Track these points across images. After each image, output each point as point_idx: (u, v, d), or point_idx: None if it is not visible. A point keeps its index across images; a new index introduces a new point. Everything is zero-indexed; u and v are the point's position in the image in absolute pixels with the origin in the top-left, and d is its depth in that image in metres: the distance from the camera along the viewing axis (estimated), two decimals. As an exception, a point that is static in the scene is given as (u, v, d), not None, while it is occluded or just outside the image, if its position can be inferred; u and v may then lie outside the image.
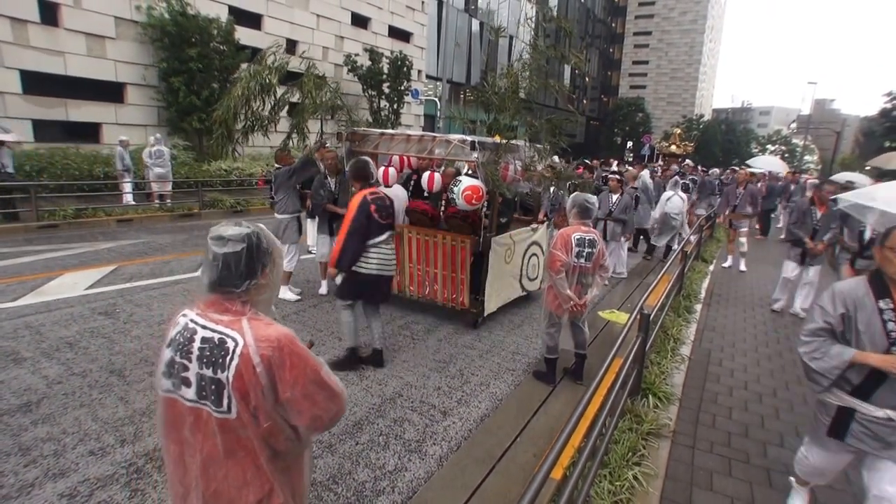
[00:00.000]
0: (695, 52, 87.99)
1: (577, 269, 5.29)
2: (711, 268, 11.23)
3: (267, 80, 8.11)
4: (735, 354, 6.54)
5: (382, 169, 7.54)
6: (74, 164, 14.49)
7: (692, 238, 10.98)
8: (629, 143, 46.56)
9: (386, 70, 26.71)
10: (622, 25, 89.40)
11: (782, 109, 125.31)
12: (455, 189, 6.49)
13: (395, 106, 27.70)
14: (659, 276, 6.70)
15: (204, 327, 1.90)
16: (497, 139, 6.77)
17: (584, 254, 5.28)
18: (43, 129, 16.00)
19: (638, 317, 4.69)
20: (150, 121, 18.48)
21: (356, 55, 25.99)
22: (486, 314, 7.04)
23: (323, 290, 8.18)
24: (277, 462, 1.99)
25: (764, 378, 5.85)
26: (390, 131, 7.63)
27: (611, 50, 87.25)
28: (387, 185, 7.53)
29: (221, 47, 18.36)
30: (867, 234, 7.17)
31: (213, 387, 1.85)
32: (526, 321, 7.48)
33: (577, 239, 5.26)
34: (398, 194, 7.68)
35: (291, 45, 23.80)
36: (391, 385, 5.32)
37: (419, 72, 32.06)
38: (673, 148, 38.54)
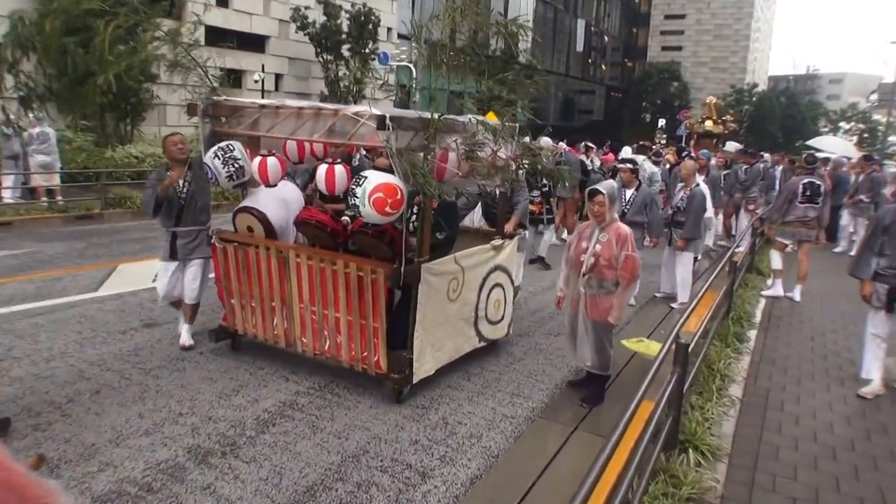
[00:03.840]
0: (745, 4, 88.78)
1: None
2: (769, 282, 11.24)
3: None
4: (801, 395, 6.53)
5: (259, 159, 6.31)
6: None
7: (742, 245, 11.00)
8: (661, 121, 46.61)
9: (346, 28, 26.67)
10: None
11: (858, 76, 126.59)
12: (358, 190, 5.30)
13: (358, 74, 27.64)
14: (700, 294, 6.71)
15: None
16: (478, 118, 6.18)
17: None
18: None
19: (673, 347, 4.70)
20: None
21: (306, 8, 25.91)
22: (416, 380, 5.93)
23: (185, 338, 6.99)
24: None
25: (838, 426, 5.85)
26: (273, 102, 6.66)
27: (637, 1, 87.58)
28: (268, 184, 6.47)
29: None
30: None
31: None
32: (529, 353, 7.47)
33: None
34: (285, 196, 6.85)
35: (224, -5, 23.71)
36: (354, 438, 5.29)
37: (389, 30, 31.97)
38: (708, 125, 36.90)
